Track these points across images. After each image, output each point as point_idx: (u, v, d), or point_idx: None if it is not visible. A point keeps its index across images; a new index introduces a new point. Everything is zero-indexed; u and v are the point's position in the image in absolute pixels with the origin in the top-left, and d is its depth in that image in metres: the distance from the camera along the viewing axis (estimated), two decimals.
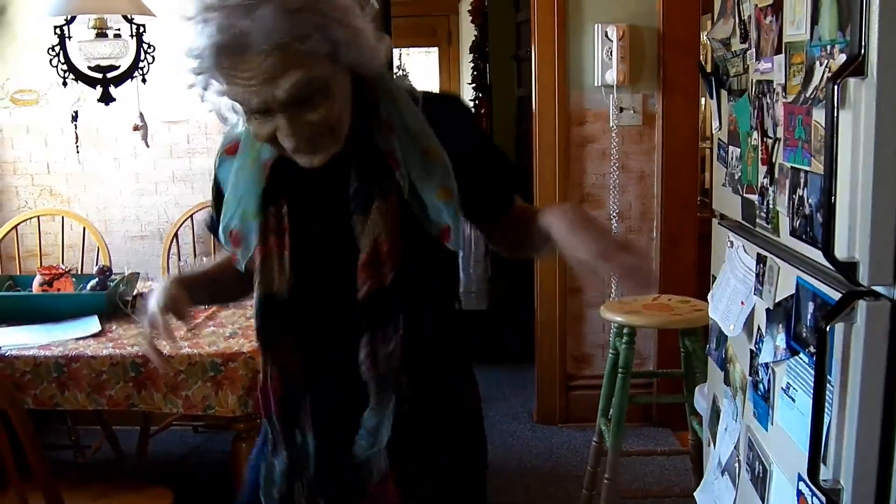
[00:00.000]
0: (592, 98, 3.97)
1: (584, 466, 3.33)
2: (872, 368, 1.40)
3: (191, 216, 3.95)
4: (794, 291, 1.65)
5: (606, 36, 3.86)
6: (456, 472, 1.62)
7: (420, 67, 9.33)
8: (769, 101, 1.77)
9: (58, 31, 3.31)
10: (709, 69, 2.27)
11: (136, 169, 4.17)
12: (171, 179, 4.18)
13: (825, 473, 1.48)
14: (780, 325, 1.71)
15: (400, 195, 1.44)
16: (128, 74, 3.41)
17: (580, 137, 4.00)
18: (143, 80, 3.46)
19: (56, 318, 2.90)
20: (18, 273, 3.77)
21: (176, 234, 3.93)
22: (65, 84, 3.38)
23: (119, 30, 3.37)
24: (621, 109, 3.94)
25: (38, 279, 3.11)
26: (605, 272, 1.29)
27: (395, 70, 8.73)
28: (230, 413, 2.55)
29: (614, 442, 2.99)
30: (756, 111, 1.87)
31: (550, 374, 4.20)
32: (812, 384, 1.48)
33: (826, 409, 1.46)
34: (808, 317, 1.57)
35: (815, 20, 1.52)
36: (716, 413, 2.25)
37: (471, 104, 7.50)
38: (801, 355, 1.60)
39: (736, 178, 2.06)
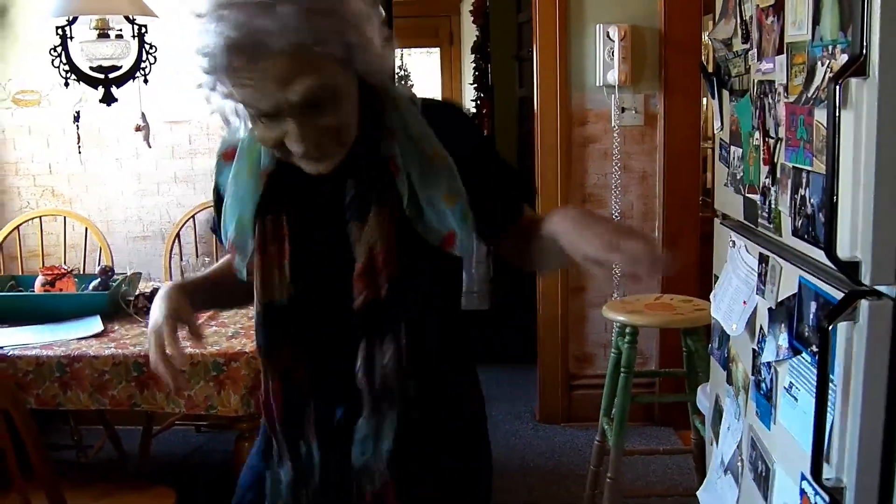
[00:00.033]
0: (594, 98, 3.97)
1: (587, 466, 3.33)
2: (875, 367, 1.40)
3: (193, 216, 3.96)
4: (796, 291, 1.65)
5: (608, 36, 3.86)
6: (459, 479, 1.60)
7: (422, 68, 9.33)
8: (771, 101, 1.78)
9: (60, 31, 3.31)
10: (710, 69, 2.27)
11: (137, 169, 4.18)
12: (172, 180, 4.18)
13: (828, 472, 1.48)
14: (783, 325, 1.71)
15: (399, 203, 1.42)
16: (130, 75, 3.41)
17: (582, 138, 4.00)
18: (145, 81, 3.47)
19: (58, 319, 2.90)
20: (21, 273, 3.77)
21: (178, 235, 3.94)
22: (67, 85, 3.38)
23: (121, 30, 3.37)
24: (623, 110, 3.94)
25: (40, 279, 3.11)
26: (611, 263, 1.26)
27: (397, 70, 8.73)
28: (233, 413, 2.55)
29: (617, 441, 2.99)
30: (758, 111, 1.87)
31: (553, 373, 4.20)
32: (814, 383, 1.48)
33: (829, 408, 1.47)
34: (811, 316, 1.57)
35: (816, 20, 1.52)
36: (718, 412, 2.25)
37: (472, 105, 7.51)
38: (804, 355, 1.61)
39: (738, 178, 2.06)
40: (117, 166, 4.17)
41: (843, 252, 1.42)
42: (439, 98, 1.64)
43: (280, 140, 1.34)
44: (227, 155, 1.55)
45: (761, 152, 1.85)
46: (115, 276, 3.19)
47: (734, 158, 2.09)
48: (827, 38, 1.48)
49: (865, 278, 1.40)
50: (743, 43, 1.98)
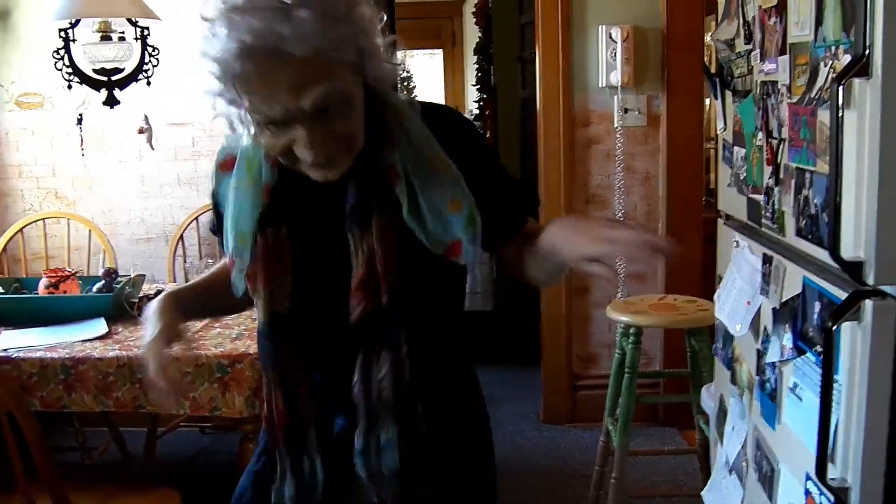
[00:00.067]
0: (597, 99, 3.97)
1: (592, 466, 3.33)
2: (879, 367, 1.40)
3: (196, 218, 3.96)
4: (800, 291, 1.65)
5: (610, 37, 3.86)
6: (463, 483, 1.59)
7: (424, 70, 9.33)
8: (774, 101, 1.77)
9: (62, 34, 3.32)
10: (713, 70, 2.27)
11: (141, 171, 4.18)
12: (176, 182, 4.19)
13: (833, 472, 1.48)
14: (787, 325, 1.71)
15: (400, 211, 1.39)
16: (132, 77, 3.42)
17: (585, 139, 4.00)
18: (148, 83, 3.47)
19: (62, 321, 2.91)
20: (24, 276, 3.78)
21: (181, 237, 3.95)
22: (70, 87, 3.39)
23: (123, 33, 3.38)
24: (626, 110, 3.94)
25: (44, 281, 3.12)
26: (608, 256, 1.24)
27: (401, 73, 8.72)
28: (237, 414, 2.55)
29: (621, 441, 2.99)
30: (761, 112, 1.86)
31: (557, 374, 4.20)
32: (819, 383, 1.48)
33: (833, 408, 1.46)
34: (815, 316, 1.57)
35: (819, 21, 1.52)
36: (722, 412, 2.25)
37: (475, 107, 7.50)
38: (808, 355, 1.60)
39: (741, 178, 2.06)
40: (120, 168, 4.18)
41: (846, 252, 1.42)
42: (437, 102, 1.62)
43: (288, 147, 1.31)
44: (225, 165, 1.53)
45: (764, 153, 1.85)
46: (118, 279, 3.20)
47: (737, 159, 2.09)
48: (830, 38, 1.48)
49: (869, 278, 1.40)
50: (746, 43, 1.97)
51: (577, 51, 3.94)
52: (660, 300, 3.18)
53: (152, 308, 1.52)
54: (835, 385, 1.46)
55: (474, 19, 7.48)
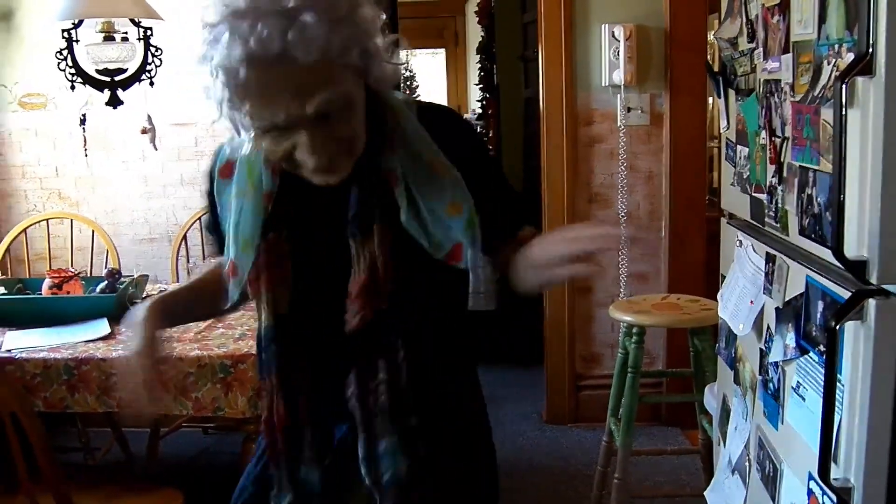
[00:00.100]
0: (600, 98, 3.97)
1: (595, 466, 3.33)
2: (882, 367, 1.40)
3: (199, 218, 3.95)
4: (803, 290, 1.65)
5: (613, 36, 3.86)
6: (463, 483, 1.59)
7: (427, 69, 9.34)
8: (777, 100, 1.77)
9: (65, 34, 3.32)
10: (716, 68, 2.26)
11: (144, 172, 4.19)
12: (179, 182, 4.19)
13: (836, 472, 1.47)
14: (790, 324, 1.71)
15: (398, 215, 1.38)
16: (135, 77, 3.42)
17: (588, 138, 4.00)
18: (151, 84, 3.47)
19: (65, 321, 2.91)
20: (28, 276, 3.78)
21: (184, 237, 3.94)
22: (73, 87, 3.39)
23: (126, 33, 3.38)
24: (629, 109, 3.94)
25: (47, 282, 3.12)
26: (579, 251, 1.28)
27: (403, 72, 8.72)
28: (240, 414, 2.55)
29: (624, 441, 2.99)
30: (764, 110, 1.86)
31: (560, 374, 4.20)
32: (822, 383, 1.47)
33: (836, 408, 1.46)
34: (818, 316, 1.57)
35: (822, 19, 1.52)
36: (725, 412, 2.24)
37: (478, 106, 7.50)
38: (811, 354, 1.60)
39: (744, 177, 2.05)
40: (123, 169, 4.18)
41: (850, 251, 1.42)
42: (435, 102, 1.61)
43: (289, 152, 1.30)
44: (224, 171, 1.53)
45: (768, 151, 1.85)
46: (122, 279, 3.20)
47: (740, 157, 2.09)
48: (833, 36, 1.48)
49: (873, 277, 1.40)
50: (749, 42, 1.97)
51: (580, 50, 3.93)
52: (663, 300, 3.17)
53: (138, 316, 1.50)
54: (838, 385, 1.46)
55: (477, 18, 7.48)
